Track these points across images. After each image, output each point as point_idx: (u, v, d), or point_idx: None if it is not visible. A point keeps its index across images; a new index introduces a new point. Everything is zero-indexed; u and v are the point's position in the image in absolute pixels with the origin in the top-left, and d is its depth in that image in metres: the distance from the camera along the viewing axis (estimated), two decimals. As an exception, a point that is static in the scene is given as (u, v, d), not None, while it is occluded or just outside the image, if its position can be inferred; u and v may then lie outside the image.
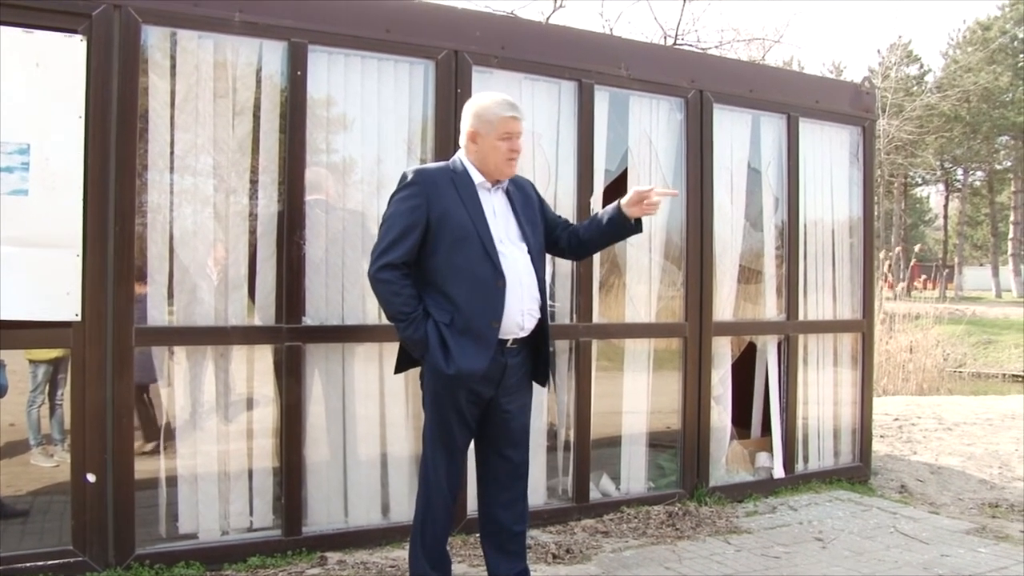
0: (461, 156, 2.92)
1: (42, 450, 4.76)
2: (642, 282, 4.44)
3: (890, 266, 13.42)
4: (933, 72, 36.55)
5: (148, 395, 4.07)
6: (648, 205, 2.99)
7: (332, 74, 3.70)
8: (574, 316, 4.18)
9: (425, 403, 2.86)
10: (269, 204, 3.57)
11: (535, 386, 3.06)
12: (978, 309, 24.53)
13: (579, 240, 3.13)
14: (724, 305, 4.68)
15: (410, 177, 2.81)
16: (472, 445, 2.99)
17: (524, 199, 2.99)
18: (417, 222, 2.75)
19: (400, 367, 2.98)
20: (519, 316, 2.81)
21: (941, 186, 42.16)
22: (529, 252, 2.88)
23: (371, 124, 3.78)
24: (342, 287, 3.68)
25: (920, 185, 42.64)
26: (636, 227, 3.08)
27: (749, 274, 4.87)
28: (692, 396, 4.49)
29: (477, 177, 2.86)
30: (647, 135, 4.46)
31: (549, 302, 3.33)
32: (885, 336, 11.91)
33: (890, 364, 11.85)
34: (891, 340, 12.17)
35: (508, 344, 2.81)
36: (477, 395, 2.80)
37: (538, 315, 2.88)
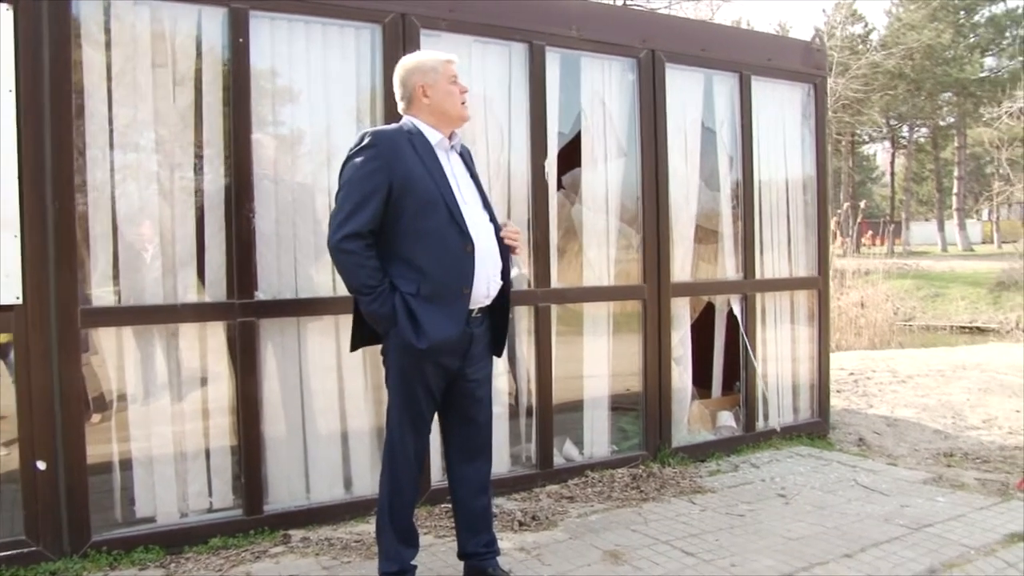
0: (410, 119, 2.81)
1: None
2: (599, 246, 4.44)
3: (839, 223, 13.65)
4: (877, 30, 37.00)
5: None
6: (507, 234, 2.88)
7: (276, 41, 3.62)
8: (532, 282, 4.17)
9: (389, 380, 2.76)
10: (215, 178, 3.48)
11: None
12: (925, 263, 25.24)
13: None
14: (681, 266, 4.70)
15: (368, 139, 2.67)
16: (436, 416, 2.95)
17: (472, 165, 2.95)
18: (379, 186, 2.61)
19: (356, 344, 2.85)
20: (486, 283, 2.75)
21: (887, 143, 42.95)
22: (490, 218, 2.85)
23: (318, 92, 3.71)
24: (294, 260, 3.62)
25: (867, 143, 43.39)
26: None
27: (705, 234, 4.90)
28: (652, 358, 4.52)
29: (434, 136, 2.77)
30: (600, 96, 4.44)
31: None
32: (837, 292, 12.16)
33: (842, 320, 12.11)
34: (843, 296, 12.43)
35: (473, 313, 2.76)
36: (444, 367, 2.73)
37: (500, 282, 2.84)
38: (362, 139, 2.69)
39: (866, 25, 37.31)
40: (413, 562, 2.83)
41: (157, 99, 3.35)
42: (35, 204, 3.10)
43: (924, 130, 40.42)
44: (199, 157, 3.45)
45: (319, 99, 3.71)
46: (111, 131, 3.27)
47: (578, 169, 4.44)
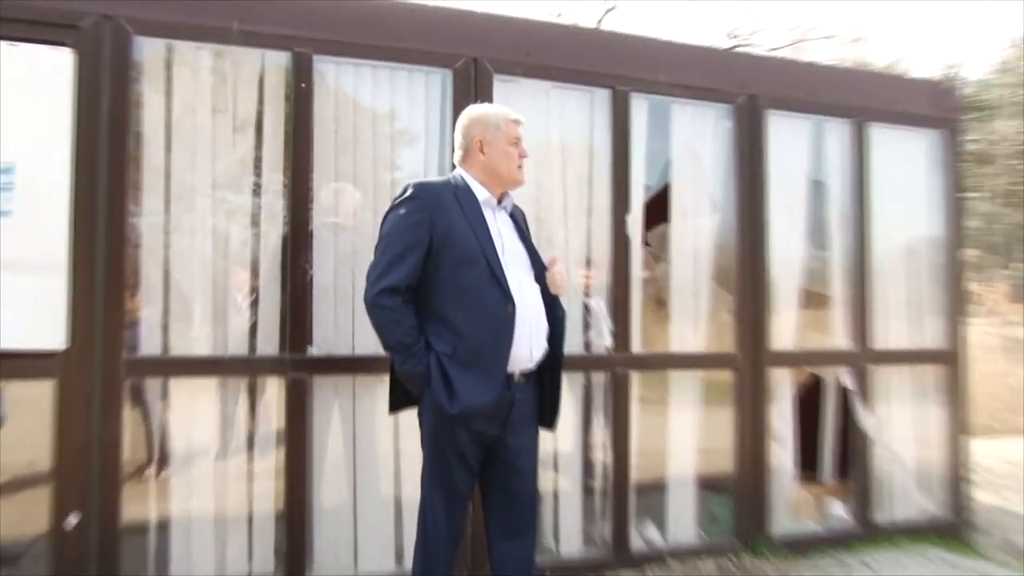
0: (461, 173, 2.76)
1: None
2: (687, 308, 4.11)
3: (1016, 286, 12.35)
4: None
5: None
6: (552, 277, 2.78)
7: (340, 85, 3.53)
8: (610, 346, 3.89)
9: (424, 442, 2.65)
10: (272, 227, 3.40)
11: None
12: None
13: None
14: (782, 333, 4.26)
15: (411, 191, 2.63)
16: (477, 489, 2.76)
17: (525, 227, 2.88)
18: (420, 240, 2.56)
19: (395, 405, 2.78)
20: (528, 346, 2.63)
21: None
22: (537, 280, 2.75)
23: (383, 139, 3.60)
24: (352, 314, 3.46)
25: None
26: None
27: (811, 298, 4.43)
28: (747, 434, 4.09)
29: (481, 193, 2.71)
30: (691, 146, 4.13)
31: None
32: (1007, 367, 10.92)
33: (1013, 398, 10.82)
34: (1017, 372, 11.11)
35: (516, 377, 2.62)
36: (480, 434, 2.60)
37: (546, 345, 2.71)
38: (405, 190, 2.65)
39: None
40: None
41: (216, 145, 3.30)
42: (85, 249, 3.07)
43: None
44: (256, 205, 3.39)
45: (384, 146, 3.60)
46: (167, 177, 3.24)
47: (665, 224, 4.14)
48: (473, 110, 2.83)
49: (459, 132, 2.79)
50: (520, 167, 2.76)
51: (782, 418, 4.23)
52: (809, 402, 4.45)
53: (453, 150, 2.81)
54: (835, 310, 4.43)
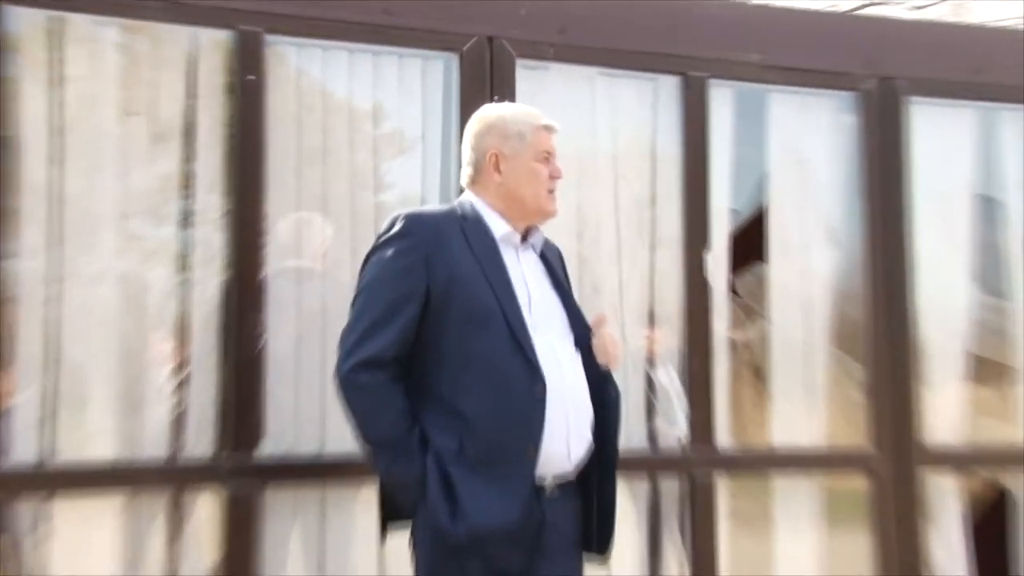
0: (470, 198, 2.79)
1: None
2: (797, 381, 4.05)
3: None
4: None
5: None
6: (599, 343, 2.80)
7: (304, 75, 3.59)
8: (685, 439, 3.86)
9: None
10: (209, 272, 3.39)
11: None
12: None
13: None
14: (941, 419, 4.15)
15: (401, 224, 2.64)
16: None
17: (562, 272, 2.94)
18: (412, 293, 2.57)
19: (388, 529, 2.76)
20: (565, 440, 2.61)
21: None
22: (578, 345, 2.75)
23: (364, 147, 3.63)
24: (321, 396, 3.43)
25: None
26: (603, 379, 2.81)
27: (986, 368, 4.35)
28: (891, 564, 3.95)
29: (499, 227, 2.72)
30: (797, 151, 4.11)
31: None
32: None
33: None
34: None
35: (548, 486, 2.60)
36: (498, 568, 2.55)
37: (591, 440, 2.69)
38: (393, 223, 2.67)
39: None
40: None
41: (127, 157, 3.32)
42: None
43: None
44: (186, 243, 3.41)
45: (364, 157, 3.63)
46: (55, 202, 3.22)
47: (761, 265, 4.14)
48: (487, 112, 2.84)
49: (468, 142, 2.81)
50: (551, 192, 2.76)
51: (946, 546, 4.12)
52: (988, 525, 4.34)
53: (460, 166, 2.84)
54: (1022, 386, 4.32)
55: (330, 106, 3.57)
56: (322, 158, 3.53)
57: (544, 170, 2.74)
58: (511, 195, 2.75)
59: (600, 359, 2.74)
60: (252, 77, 3.40)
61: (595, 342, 2.75)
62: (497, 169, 2.74)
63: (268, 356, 3.35)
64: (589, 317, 2.82)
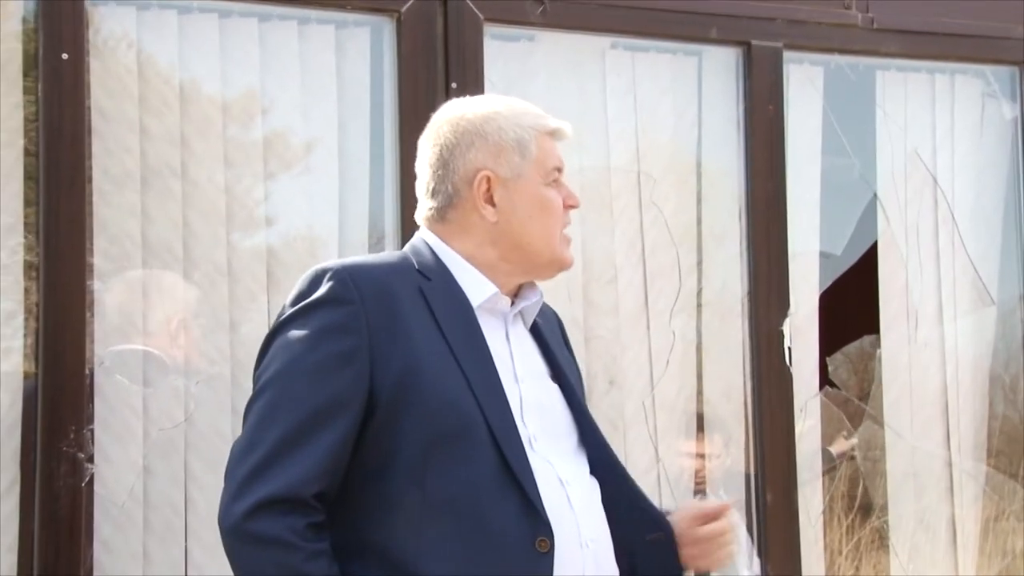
0: (432, 244, 2.25)
1: None
2: (926, 519, 3.47)
3: None
4: None
5: None
6: (717, 545, 2.21)
7: (149, 53, 2.95)
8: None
9: None
10: (4, 362, 2.83)
11: None
12: None
13: None
14: None
15: (328, 285, 2.02)
16: None
17: (567, 348, 2.38)
18: (345, 396, 1.98)
19: None
20: None
21: None
22: (591, 460, 2.23)
23: (247, 154, 3.02)
24: (184, 556, 2.91)
25: None
26: None
27: None
28: None
29: (480, 289, 2.16)
30: (922, 157, 3.47)
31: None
32: None
33: None
34: None
35: None
36: None
37: None
38: (315, 282, 2.05)
39: None
40: None
41: None
42: None
43: None
44: None
45: (249, 178, 2.99)
46: None
47: (870, 338, 3.80)
48: (464, 110, 2.27)
49: (430, 157, 2.22)
50: (566, 236, 2.28)
51: None
52: None
53: (417, 190, 2.22)
54: None
55: (189, 96, 2.95)
56: (180, 177, 2.90)
57: (557, 198, 2.17)
58: (510, 240, 2.17)
59: (699, 565, 2.17)
60: (66, 56, 2.83)
61: (700, 531, 2.16)
62: (490, 200, 2.15)
63: (97, 500, 2.76)
64: (602, 423, 2.32)
